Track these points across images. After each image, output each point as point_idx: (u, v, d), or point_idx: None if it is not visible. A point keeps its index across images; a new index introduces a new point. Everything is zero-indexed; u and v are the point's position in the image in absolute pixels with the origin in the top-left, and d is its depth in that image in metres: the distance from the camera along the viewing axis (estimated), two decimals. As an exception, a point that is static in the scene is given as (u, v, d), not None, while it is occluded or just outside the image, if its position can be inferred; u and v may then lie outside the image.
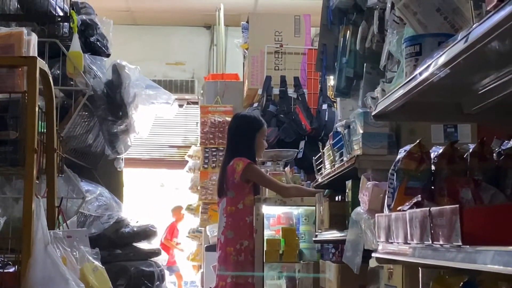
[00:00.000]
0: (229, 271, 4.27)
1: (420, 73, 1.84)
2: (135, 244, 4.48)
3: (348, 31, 3.82)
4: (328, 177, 3.60)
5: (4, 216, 3.03)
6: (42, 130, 2.87)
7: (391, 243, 1.97)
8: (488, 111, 2.11)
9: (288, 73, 6.82)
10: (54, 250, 2.61)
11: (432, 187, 1.97)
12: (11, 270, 2.69)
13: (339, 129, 3.46)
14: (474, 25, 1.48)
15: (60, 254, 2.66)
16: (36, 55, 2.85)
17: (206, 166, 8.06)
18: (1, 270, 2.67)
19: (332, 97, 5.89)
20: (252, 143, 4.49)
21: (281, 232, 4.86)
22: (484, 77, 1.94)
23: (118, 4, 9.21)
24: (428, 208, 1.61)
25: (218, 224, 4.49)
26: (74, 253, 2.79)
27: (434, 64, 1.72)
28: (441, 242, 1.52)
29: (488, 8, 1.45)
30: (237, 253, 4.31)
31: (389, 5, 2.95)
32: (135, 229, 4.49)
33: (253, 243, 4.37)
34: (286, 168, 5.22)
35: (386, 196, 2.13)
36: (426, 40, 2.04)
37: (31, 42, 2.89)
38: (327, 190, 3.75)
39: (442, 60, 1.67)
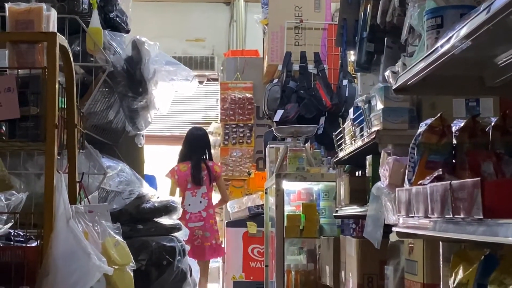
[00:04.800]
0: (215, 235, 6.68)
1: (442, 46, 1.81)
2: (156, 219, 4.50)
3: (369, 5, 3.78)
4: (348, 152, 3.59)
5: (27, 191, 3.05)
6: (63, 106, 2.88)
7: (412, 217, 1.97)
8: (511, 84, 2.09)
9: (308, 48, 6.77)
10: (75, 224, 2.62)
11: (453, 161, 1.95)
12: (34, 244, 2.72)
13: (359, 104, 3.44)
14: (497, -4, 1.46)
15: (82, 229, 2.68)
16: (56, 31, 2.85)
17: (226, 142, 8.09)
18: (24, 245, 2.70)
19: (353, 72, 5.85)
20: None
21: (301, 208, 4.87)
22: (506, 49, 1.91)
23: (138, -19, 9.19)
24: (449, 182, 1.60)
25: (198, 204, 6.68)
26: (96, 228, 2.80)
27: (456, 36, 1.70)
28: (462, 216, 1.51)
29: (511, -22, 1.42)
30: (215, 223, 6.74)
31: (410, -22, 2.91)
32: (156, 204, 4.50)
33: None
34: (306, 144, 5.21)
35: (407, 171, 2.12)
36: (448, 12, 2.01)
37: (51, 18, 2.89)
38: (347, 165, 3.74)
39: (463, 32, 1.65)
